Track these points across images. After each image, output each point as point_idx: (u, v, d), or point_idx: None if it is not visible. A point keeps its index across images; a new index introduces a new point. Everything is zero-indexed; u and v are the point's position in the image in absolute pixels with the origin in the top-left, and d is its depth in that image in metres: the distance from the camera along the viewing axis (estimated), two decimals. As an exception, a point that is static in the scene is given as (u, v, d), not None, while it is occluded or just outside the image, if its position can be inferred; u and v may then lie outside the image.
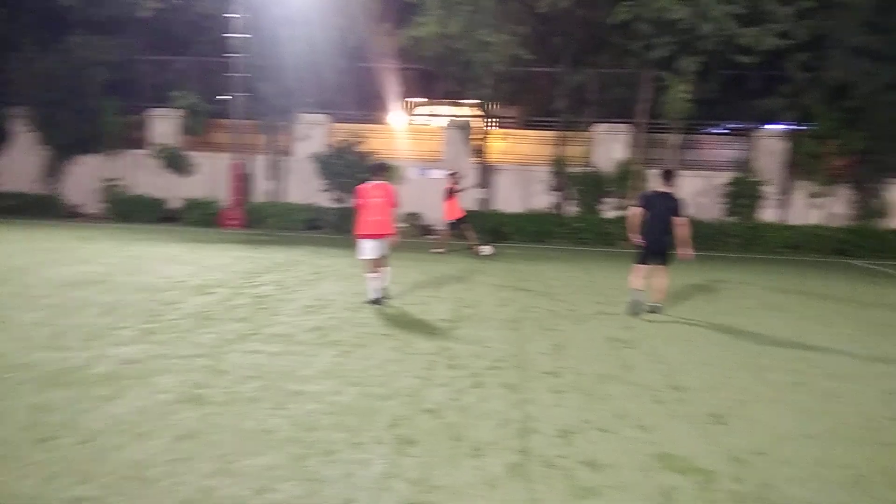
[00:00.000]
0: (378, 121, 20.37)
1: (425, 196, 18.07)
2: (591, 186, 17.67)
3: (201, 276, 9.85)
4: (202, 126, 18.69)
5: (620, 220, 16.81)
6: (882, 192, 17.11)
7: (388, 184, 8.38)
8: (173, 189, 18.83)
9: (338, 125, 18.92)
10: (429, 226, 17.77)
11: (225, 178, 18.33)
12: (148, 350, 5.90)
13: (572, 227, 17.15)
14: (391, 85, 19.34)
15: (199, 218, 17.74)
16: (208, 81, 18.81)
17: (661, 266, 8.31)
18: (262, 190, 18.72)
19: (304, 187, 18.44)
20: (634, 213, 8.32)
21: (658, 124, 17.13)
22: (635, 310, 8.35)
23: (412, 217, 17.51)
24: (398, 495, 3.53)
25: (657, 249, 8.20)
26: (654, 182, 16.70)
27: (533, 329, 7.43)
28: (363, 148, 17.84)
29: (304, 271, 10.76)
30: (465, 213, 13.78)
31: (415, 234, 17.28)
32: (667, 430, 4.60)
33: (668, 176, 8.45)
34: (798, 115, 16.92)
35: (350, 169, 17.25)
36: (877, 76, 15.78)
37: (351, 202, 8.98)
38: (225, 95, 17.40)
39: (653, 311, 8.41)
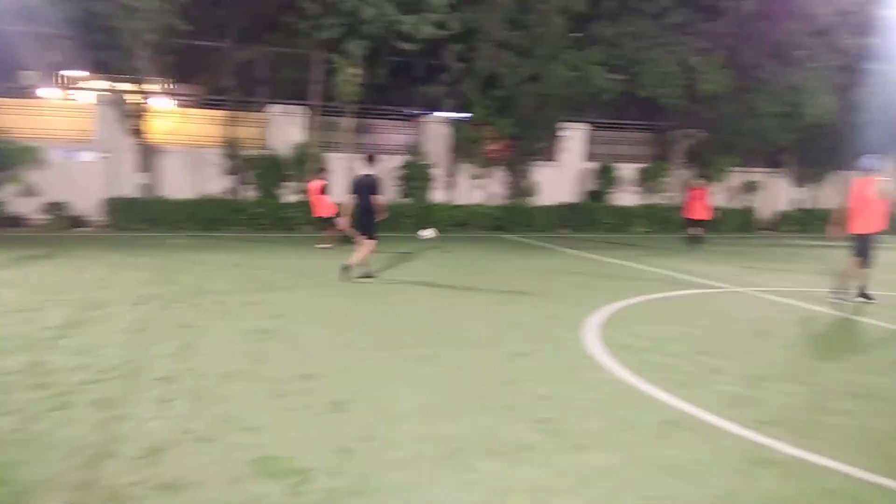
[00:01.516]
0: (8, 94, 17.02)
1: (73, 182, 15.63)
2: (268, 170, 16.97)
3: None
4: None
5: (301, 205, 16.50)
6: (529, 174, 19.34)
7: None
8: None
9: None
10: (77, 216, 15.42)
11: None
12: None
13: (250, 212, 16.30)
14: (20, 51, 16.25)
15: None
16: None
17: (364, 239, 9.66)
18: None
19: None
20: (348, 200, 9.83)
21: (333, 107, 17.07)
22: (365, 274, 9.72)
23: (55, 207, 14.98)
24: None
25: (361, 223, 9.64)
26: (333, 164, 16.74)
27: (165, 329, 6.58)
28: (-16, 125, 14.71)
29: None
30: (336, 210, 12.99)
31: (60, 227, 14.81)
32: (278, 429, 4.22)
33: (369, 159, 10.00)
34: (457, 102, 18.25)
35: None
36: (520, 68, 17.67)
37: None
38: None
39: (366, 275, 9.76)
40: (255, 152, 17.11)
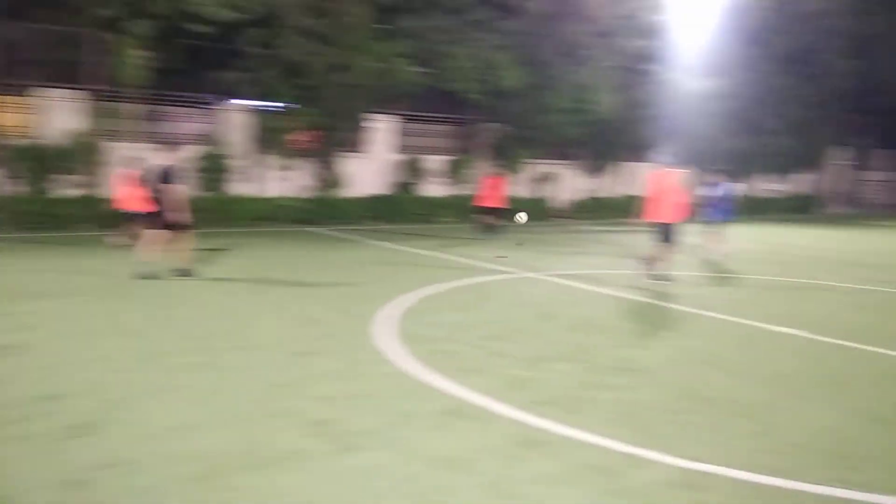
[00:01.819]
0: None
1: None
2: (35, 161, 14.95)
3: None
4: None
5: (78, 200, 14.80)
6: (337, 165, 18.97)
7: None
8: None
9: None
10: None
11: None
12: None
13: (13, 209, 14.28)
14: None
15: None
16: None
17: (178, 233, 9.01)
18: None
19: None
20: (154, 192, 9.19)
21: (117, 92, 15.46)
22: (148, 274, 8.88)
23: None
24: None
25: (165, 217, 8.92)
26: (118, 154, 15.14)
27: None
28: None
29: None
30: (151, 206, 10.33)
31: None
32: (-6, 464, 3.56)
33: (168, 148, 9.64)
34: (260, 90, 17.38)
35: None
36: (324, 58, 17.20)
37: None
38: None
39: (183, 274, 9.04)
40: (20, 141, 15.02)
